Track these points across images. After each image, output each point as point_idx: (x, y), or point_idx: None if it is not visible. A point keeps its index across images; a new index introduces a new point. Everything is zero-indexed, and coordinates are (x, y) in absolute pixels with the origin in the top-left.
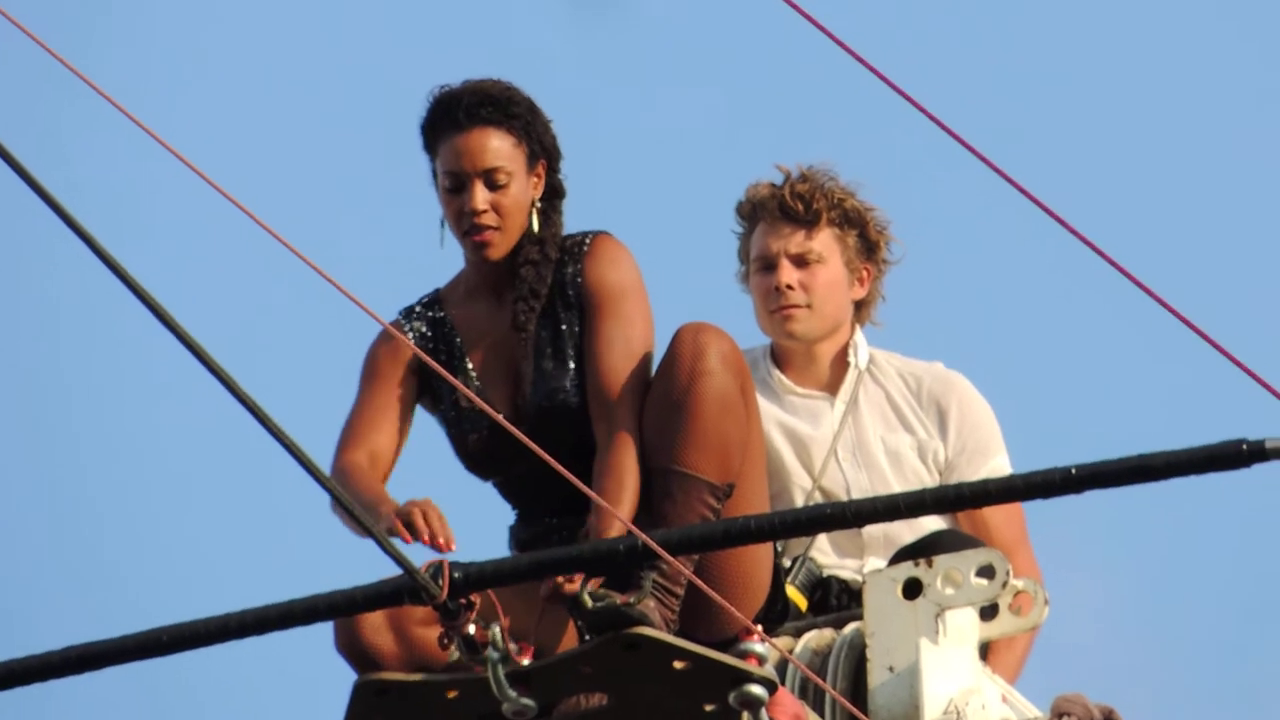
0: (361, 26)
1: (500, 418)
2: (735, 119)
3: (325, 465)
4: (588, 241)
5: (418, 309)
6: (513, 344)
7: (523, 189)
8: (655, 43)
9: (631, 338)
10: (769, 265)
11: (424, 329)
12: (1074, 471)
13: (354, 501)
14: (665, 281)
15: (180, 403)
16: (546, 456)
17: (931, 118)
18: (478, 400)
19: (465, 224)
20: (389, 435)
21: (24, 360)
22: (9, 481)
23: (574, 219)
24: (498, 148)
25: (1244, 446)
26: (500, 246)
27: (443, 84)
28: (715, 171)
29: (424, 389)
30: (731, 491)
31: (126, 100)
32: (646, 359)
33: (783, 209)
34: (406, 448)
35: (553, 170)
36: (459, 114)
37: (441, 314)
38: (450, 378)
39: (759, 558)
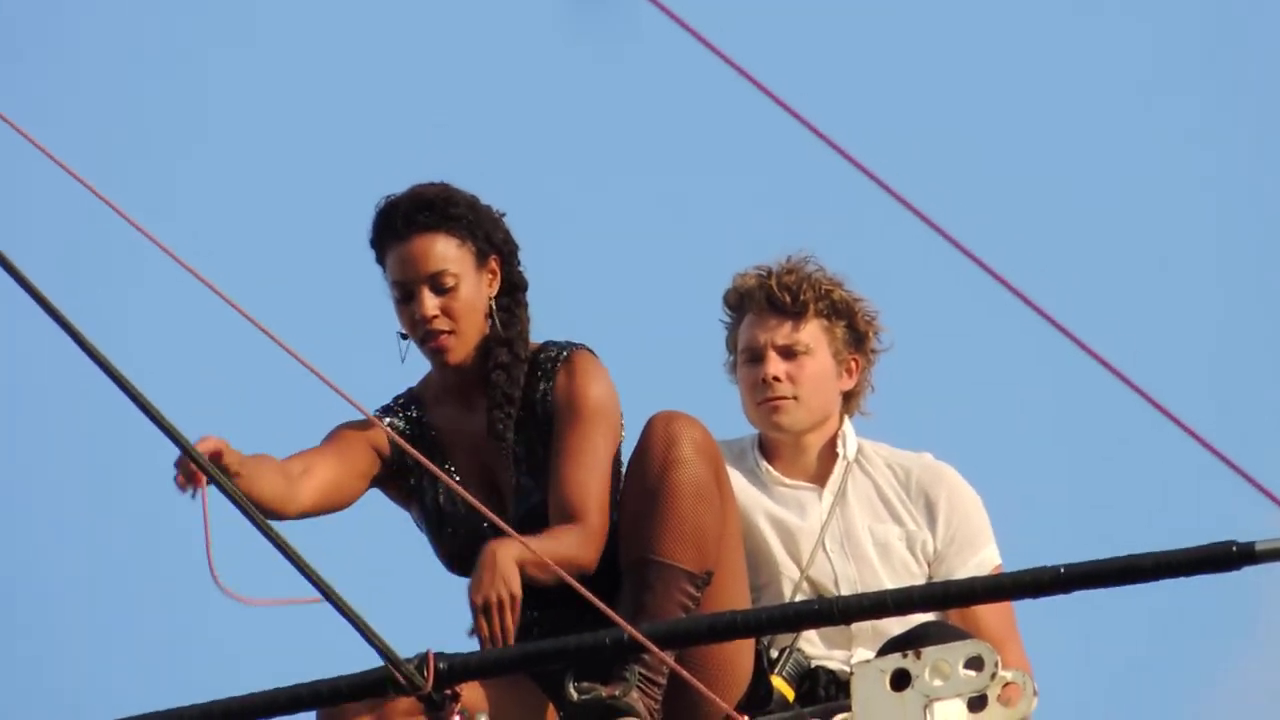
0: (362, 33)
1: (492, 515)
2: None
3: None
4: (564, 355)
5: (395, 406)
6: (489, 451)
7: (474, 289)
8: (656, 46)
9: (599, 451)
10: (756, 357)
11: (403, 426)
12: (1063, 571)
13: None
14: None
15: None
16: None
17: (915, 209)
18: (468, 496)
19: (419, 332)
20: (328, 475)
21: None
22: None
23: (580, 247)
24: (441, 252)
25: (1234, 548)
26: (458, 350)
27: (387, 194)
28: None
29: (392, 477)
30: (710, 579)
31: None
32: (611, 476)
33: (770, 300)
34: (383, 532)
35: (509, 264)
36: (398, 223)
37: (419, 413)
38: (441, 474)
39: (740, 645)
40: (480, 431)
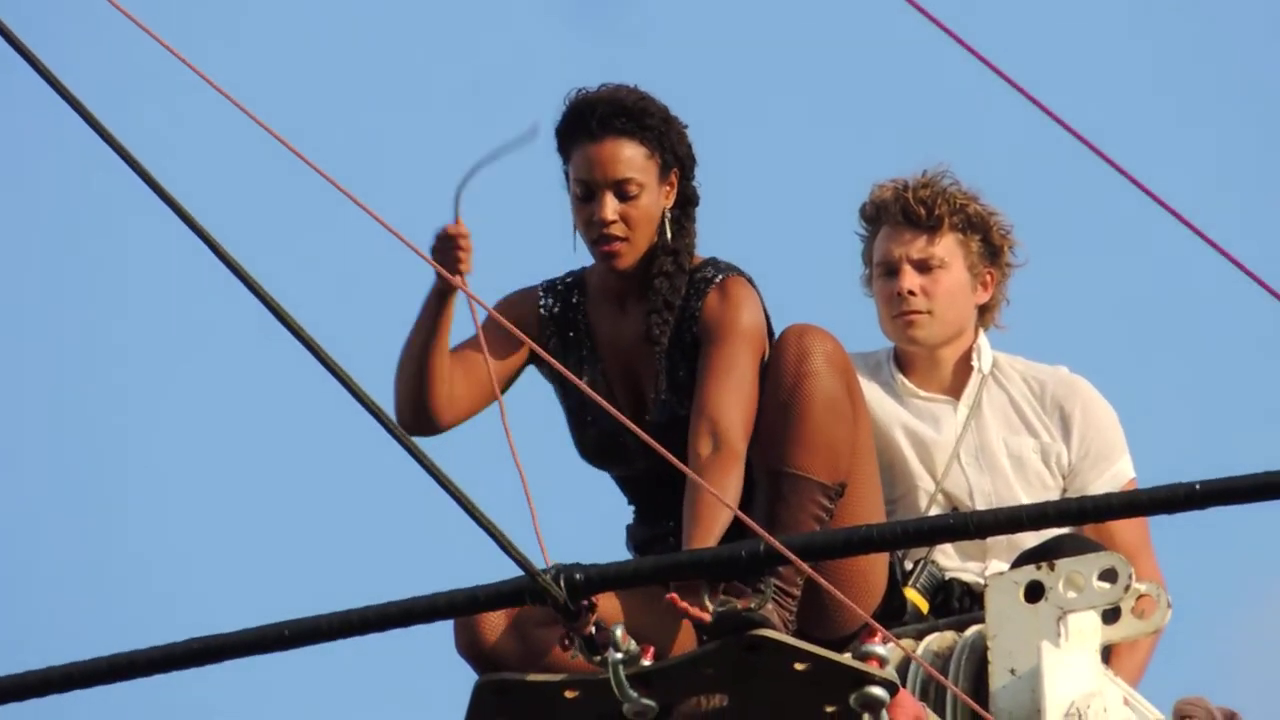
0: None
1: (627, 420)
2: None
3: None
4: (720, 277)
5: (560, 287)
6: (638, 355)
7: (654, 200)
8: (658, 44)
9: (745, 375)
10: (891, 270)
11: (557, 308)
12: (1198, 488)
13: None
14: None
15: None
16: (671, 458)
17: (1047, 111)
18: (602, 402)
19: (594, 233)
20: (473, 380)
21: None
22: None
23: None
24: (630, 159)
25: None
26: (628, 257)
27: (580, 87)
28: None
29: (541, 360)
30: (843, 491)
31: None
32: (754, 398)
33: (905, 214)
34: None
35: (686, 178)
36: (592, 123)
37: (579, 300)
38: (574, 378)
39: (875, 558)
40: (632, 335)
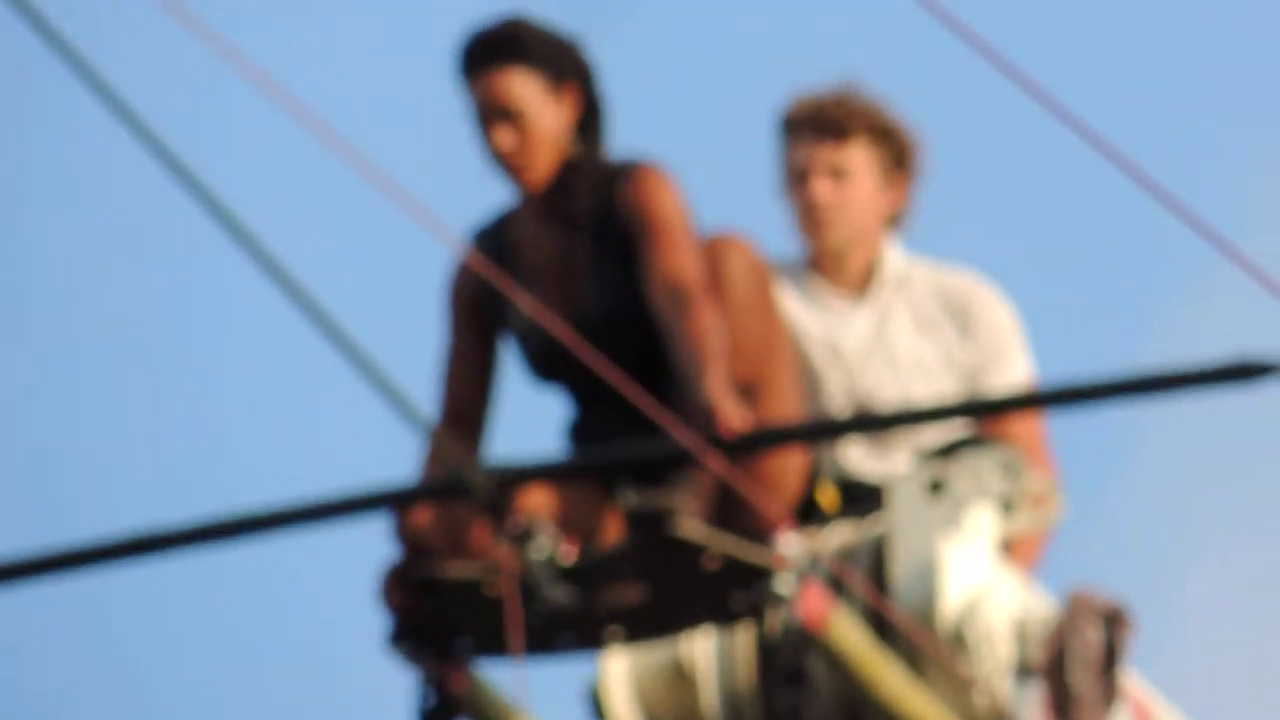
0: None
1: (567, 333)
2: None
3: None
4: (631, 170)
5: (487, 227)
6: (568, 263)
7: (549, 118)
8: (657, 43)
9: (686, 244)
10: (803, 178)
11: (489, 249)
12: (1087, 385)
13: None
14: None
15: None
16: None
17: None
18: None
19: (497, 162)
20: (477, 387)
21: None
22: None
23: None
24: (514, 84)
25: (1251, 364)
26: (535, 175)
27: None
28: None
29: (497, 316)
30: (758, 388)
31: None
32: (696, 256)
33: (816, 123)
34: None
35: (585, 88)
36: (471, 59)
37: (504, 232)
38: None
39: (792, 460)
40: (556, 248)
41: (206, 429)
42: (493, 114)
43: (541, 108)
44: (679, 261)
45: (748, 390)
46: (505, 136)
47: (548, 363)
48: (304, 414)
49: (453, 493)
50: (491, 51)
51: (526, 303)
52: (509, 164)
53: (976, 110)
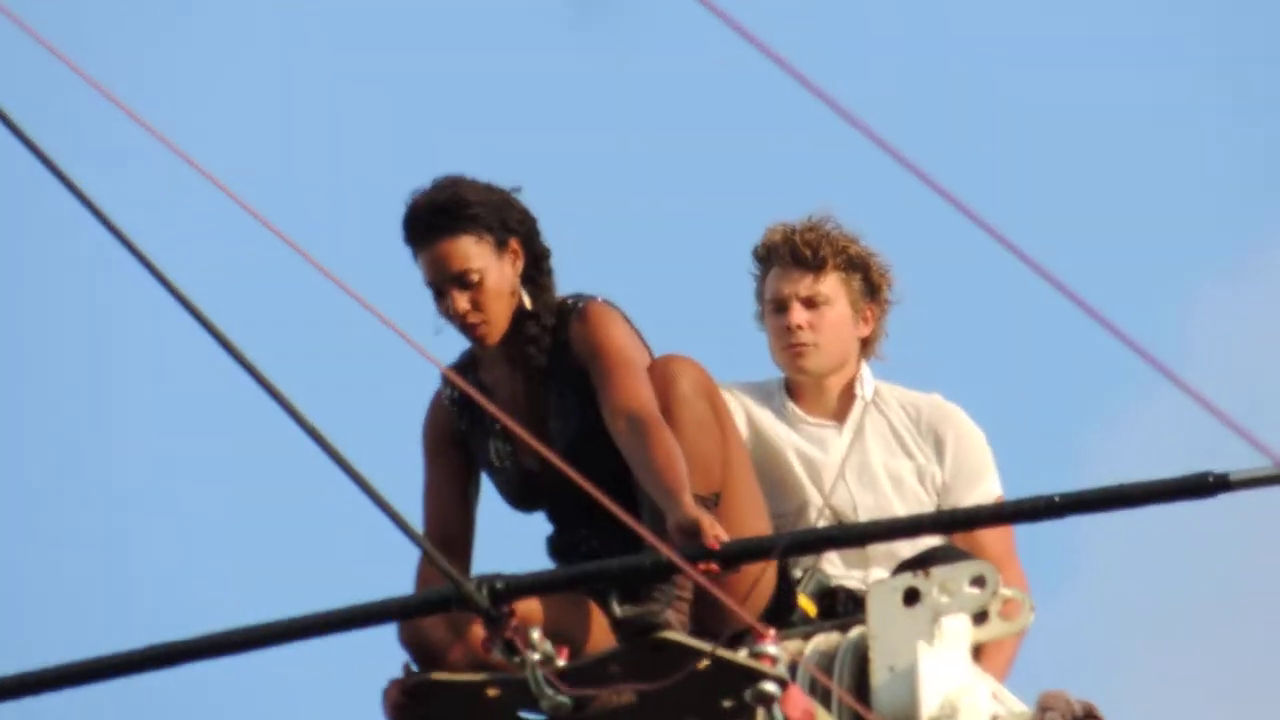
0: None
1: (549, 453)
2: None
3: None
4: (579, 307)
5: (460, 365)
6: (531, 402)
7: (499, 276)
8: (656, 45)
9: (631, 365)
10: (781, 307)
11: (458, 393)
12: (1057, 499)
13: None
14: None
15: (228, 416)
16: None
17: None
18: (521, 433)
19: (456, 324)
20: (458, 514)
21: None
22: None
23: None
24: (461, 252)
25: (1210, 478)
26: (494, 331)
27: (413, 189)
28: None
29: (471, 453)
30: (718, 501)
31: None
32: (647, 380)
33: (793, 255)
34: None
35: (529, 240)
36: (419, 229)
37: (472, 375)
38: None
39: (763, 566)
40: (520, 391)
41: (212, 547)
42: (445, 281)
43: (491, 269)
44: (631, 390)
45: (705, 503)
46: (460, 300)
47: (522, 495)
48: (307, 533)
49: (454, 605)
50: (438, 222)
51: (502, 445)
52: (466, 325)
53: (923, 238)
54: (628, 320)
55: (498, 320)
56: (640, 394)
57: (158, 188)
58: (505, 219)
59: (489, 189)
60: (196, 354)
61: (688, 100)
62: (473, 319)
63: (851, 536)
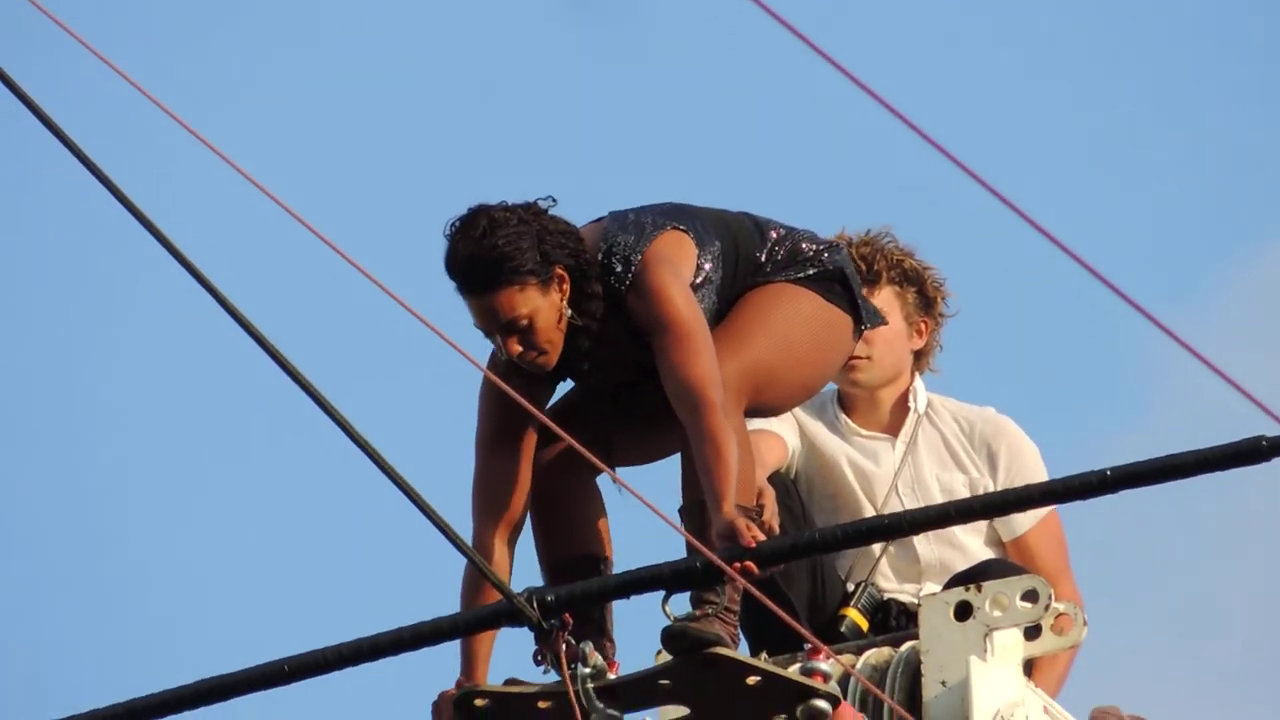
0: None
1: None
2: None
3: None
4: (629, 277)
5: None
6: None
7: (549, 312)
8: (656, 45)
9: (692, 336)
10: None
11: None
12: (1109, 473)
13: (472, 570)
14: None
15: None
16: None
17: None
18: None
19: (512, 360)
20: (519, 490)
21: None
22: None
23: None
24: (506, 304)
25: (1263, 442)
26: (550, 359)
27: (450, 222)
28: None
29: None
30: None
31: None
32: (708, 343)
33: None
34: None
35: (572, 260)
36: (461, 279)
37: None
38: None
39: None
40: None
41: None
42: (495, 330)
43: (540, 310)
44: (689, 370)
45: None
46: (512, 345)
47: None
48: (355, 550)
49: (505, 620)
50: (480, 277)
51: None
52: (524, 363)
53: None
54: (678, 259)
55: (552, 350)
56: (697, 372)
57: (204, 196)
58: (546, 253)
59: (522, 222)
60: (239, 363)
61: (688, 100)
62: (528, 357)
63: (900, 525)
